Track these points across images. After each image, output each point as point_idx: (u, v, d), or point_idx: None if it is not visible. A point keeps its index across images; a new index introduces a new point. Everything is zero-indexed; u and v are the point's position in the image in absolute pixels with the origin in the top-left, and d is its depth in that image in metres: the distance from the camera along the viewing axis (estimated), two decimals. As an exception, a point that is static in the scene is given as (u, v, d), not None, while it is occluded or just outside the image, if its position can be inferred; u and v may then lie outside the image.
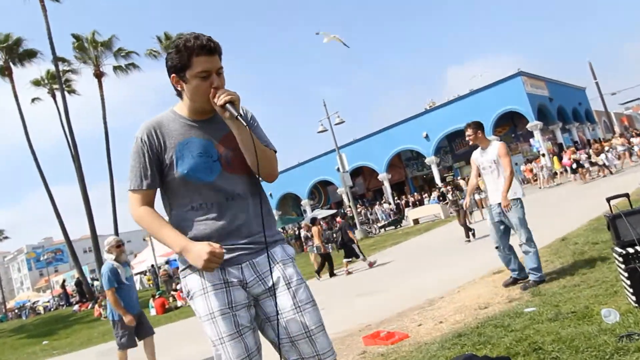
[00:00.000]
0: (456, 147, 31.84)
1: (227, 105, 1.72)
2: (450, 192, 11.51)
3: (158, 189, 1.88)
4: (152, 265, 27.54)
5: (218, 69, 1.78)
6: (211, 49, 1.75)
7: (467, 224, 10.60)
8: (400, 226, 23.25)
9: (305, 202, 37.43)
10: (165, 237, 1.77)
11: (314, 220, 12.59)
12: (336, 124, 23.83)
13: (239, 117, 1.72)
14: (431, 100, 33.43)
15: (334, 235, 11.80)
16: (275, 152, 1.92)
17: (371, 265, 10.79)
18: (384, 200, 31.32)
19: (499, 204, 4.74)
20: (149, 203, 1.85)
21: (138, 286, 31.40)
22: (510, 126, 29.85)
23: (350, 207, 26.41)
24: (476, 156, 5.02)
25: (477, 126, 4.96)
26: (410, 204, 28.55)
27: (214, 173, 1.82)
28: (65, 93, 26.93)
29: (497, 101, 27.44)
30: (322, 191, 38.68)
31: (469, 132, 4.94)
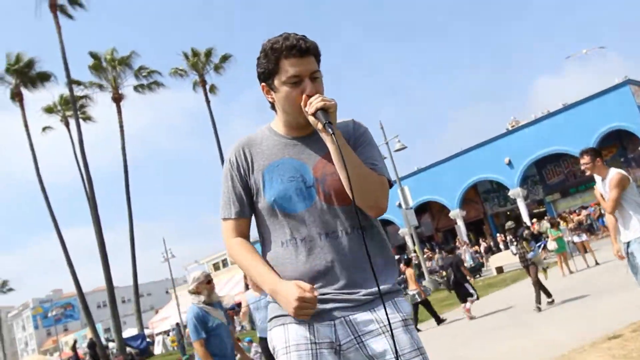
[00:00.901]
0: (548, 176, 30.90)
1: (318, 113, 1.70)
2: (515, 243, 10.99)
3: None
4: (177, 324, 27.88)
5: (312, 72, 1.77)
6: (302, 49, 1.74)
7: (540, 280, 10.12)
8: (480, 275, 22.67)
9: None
10: (255, 274, 1.81)
11: (408, 261, 12.65)
12: (396, 151, 23.73)
13: (326, 124, 1.68)
14: (514, 118, 32.84)
15: (444, 272, 11.71)
16: (389, 181, 1.84)
17: (469, 314, 10.79)
18: (457, 243, 30.63)
19: (628, 243, 4.81)
20: (242, 233, 1.89)
21: (159, 349, 31.82)
22: (617, 148, 28.74)
23: (415, 251, 25.95)
24: (599, 187, 5.16)
25: (595, 153, 5.10)
26: (492, 247, 27.78)
27: (307, 202, 1.80)
28: (80, 120, 28.32)
29: (600, 117, 26.58)
30: (379, 232, 38.17)
31: (585, 159, 5.05)
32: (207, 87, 32.99)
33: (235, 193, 1.87)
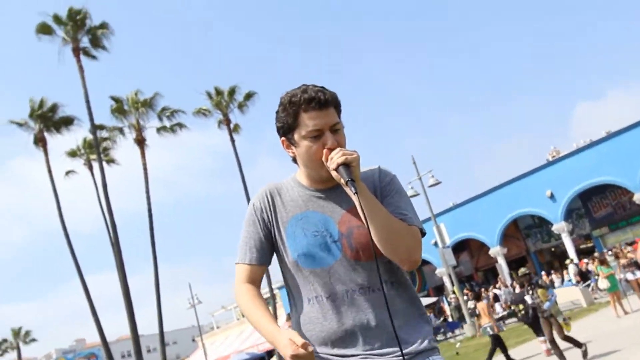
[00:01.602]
0: (594, 209, 30.18)
1: (340, 168, 1.70)
2: (529, 291, 10.39)
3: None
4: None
5: (332, 125, 1.78)
6: (322, 101, 1.76)
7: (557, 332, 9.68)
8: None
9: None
10: (255, 322, 1.79)
11: (478, 296, 13.12)
12: (430, 186, 23.57)
13: (348, 182, 1.68)
14: (554, 148, 32.43)
15: (519, 306, 11.37)
16: (421, 231, 1.81)
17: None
18: (498, 283, 29.96)
19: None
20: (254, 281, 1.88)
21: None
22: (669, 178, 28.02)
23: (454, 292, 25.44)
24: None
25: None
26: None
27: (332, 258, 1.79)
28: (104, 163, 28.92)
29: (647, 145, 26.02)
30: (415, 273, 37.79)
31: None
32: (231, 125, 33.48)
33: (255, 239, 1.87)
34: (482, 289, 24.39)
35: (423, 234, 1.82)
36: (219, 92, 33.64)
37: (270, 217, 1.88)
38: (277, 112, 1.85)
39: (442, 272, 31.94)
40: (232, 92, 33.63)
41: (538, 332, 10.79)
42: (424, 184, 23.88)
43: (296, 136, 1.80)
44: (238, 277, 1.89)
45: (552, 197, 29.21)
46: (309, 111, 1.75)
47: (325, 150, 1.75)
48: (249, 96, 33.79)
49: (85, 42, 28.69)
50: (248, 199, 31.96)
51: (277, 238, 1.87)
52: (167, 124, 32.74)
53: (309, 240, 1.79)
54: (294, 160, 1.90)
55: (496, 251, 31.64)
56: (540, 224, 31.96)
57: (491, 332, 11.37)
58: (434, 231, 23.66)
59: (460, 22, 79.70)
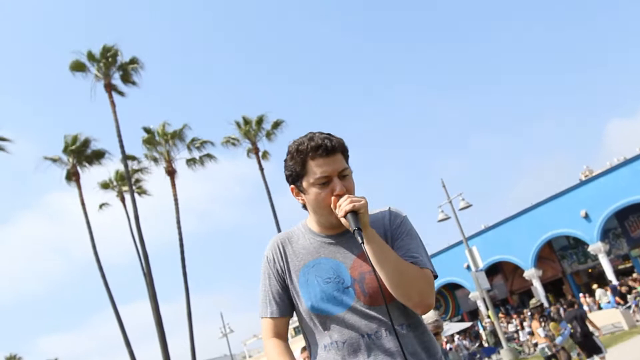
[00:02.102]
0: (631, 228, 29.46)
1: (348, 215, 1.73)
2: (542, 323, 10.01)
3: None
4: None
5: (340, 171, 1.81)
6: (328, 148, 1.79)
7: None
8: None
9: (429, 315, 36.14)
10: None
11: (532, 315, 12.04)
12: (461, 209, 23.35)
13: (355, 231, 1.71)
14: (587, 167, 31.91)
15: (571, 328, 11.10)
16: (433, 273, 1.83)
17: None
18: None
19: None
20: (280, 334, 1.90)
21: None
22: None
23: (489, 317, 24.94)
24: None
25: None
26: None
27: (345, 304, 1.80)
28: (136, 195, 29.38)
29: (684, 161, 25.44)
30: (448, 297, 37.24)
31: None
32: (260, 154, 33.76)
33: (272, 291, 1.89)
34: (487, 322, 23.89)
35: (435, 276, 1.83)
36: (247, 122, 34.04)
37: (283, 267, 1.90)
38: (285, 161, 1.88)
39: (476, 296, 31.43)
40: (260, 121, 33.99)
41: (587, 352, 10.37)
42: (454, 207, 23.66)
43: (305, 184, 1.83)
44: (264, 332, 1.91)
45: (587, 217, 28.63)
46: (316, 158, 1.79)
47: (333, 197, 1.78)
48: (276, 125, 34.10)
49: (116, 77, 29.44)
50: (278, 227, 32.06)
51: (291, 287, 1.89)
52: (197, 154, 33.20)
53: (322, 288, 1.81)
54: (304, 207, 1.93)
55: (531, 274, 31.05)
56: (575, 245, 31.33)
57: (549, 353, 10.94)
58: (466, 254, 23.33)
59: (491, 43, 79.53)
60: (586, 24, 71.47)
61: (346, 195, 1.76)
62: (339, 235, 1.88)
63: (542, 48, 73.68)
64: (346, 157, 1.84)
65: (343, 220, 1.74)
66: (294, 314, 1.94)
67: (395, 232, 1.88)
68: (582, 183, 29.68)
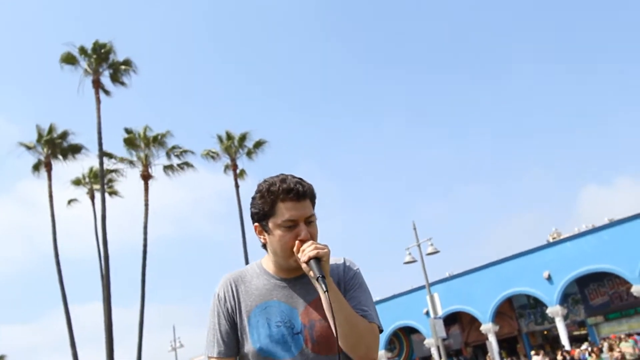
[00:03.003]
0: (591, 296, 29.77)
1: (311, 261, 1.75)
2: None
3: None
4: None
5: (307, 217, 1.84)
6: (299, 193, 1.82)
7: None
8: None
9: (381, 354, 35.87)
10: None
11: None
12: (428, 254, 23.37)
13: (319, 278, 1.72)
14: (556, 230, 32.35)
15: None
16: (379, 328, 1.87)
17: None
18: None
19: None
20: None
21: None
22: (667, 273, 27.74)
23: (441, 366, 24.82)
24: None
25: None
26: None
27: (294, 350, 1.82)
28: (106, 195, 28.90)
29: (650, 239, 25.89)
30: (404, 340, 37.07)
31: None
32: (238, 171, 33.56)
33: (221, 331, 1.88)
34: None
35: (380, 331, 1.89)
36: (230, 137, 33.91)
37: (234, 306, 1.89)
38: (253, 198, 1.89)
39: (431, 342, 31.32)
40: (243, 138, 33.88)
41: None
42: (422, 251, 23.69)
43: (271, 224, 1.83)
44: None
45: (549, 278, 28.87)
46: (286, 201, 1.81)
47: (297, 242, 1.80)
48: (259, 144, 34.01)
49: (106, 75, 29.23)
50: (245, 248, 31.76)
51: (240, 327, 1.88)
52: (176, 162, 32.92)
53: (272, 331, 1.82)
54: (264, 246, 1.94)
55: (488, 328, 31.08)
56: (535, 305, 31.52)
57: None
58: (426, 300, 23.29)
59: (481, 92, 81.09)
60: (584, 84, 73.45)
61: (311, 242, 1.78)
62: (294, 279, 1.90)
63: (537, 105, 75.29)
64: (314, 203, 1.88)
65: (304, 266, 1.76)
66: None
67: (348, 283, 1.91)
68: (549, 245, 30.03)
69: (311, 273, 1.74)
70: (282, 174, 1.87)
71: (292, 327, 1.82)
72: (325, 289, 1.69)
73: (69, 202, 34.94)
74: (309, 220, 1.84)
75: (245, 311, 1.87)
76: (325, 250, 1.76)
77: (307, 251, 1.75)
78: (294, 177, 1.86)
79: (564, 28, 76.15)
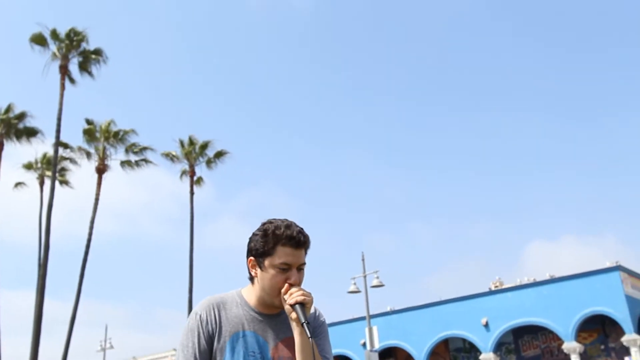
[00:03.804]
0: (524, 347, 30.39)
1: (297, 306, 1.93)
2: None
3: None
4: None
5: (300, 264, 2.03)
6: (300, 242, 2.00)
7: None
8: None
9: (313, 380, 35.61)
10: None
11: None
12: (373, 287, 23.49)
13: (305, 324, 1.90)
14: (499, 279, 32.99)
15: None
16: None
17: None
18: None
19: None
20: None
21: None
22: (599, 334, 28.56)
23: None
24: None
25: None
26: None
27: None
28: (57, 184, 28.17)
29: (586, 298, 26.69)
30: (337, 369, 36.88)
31: None
32: (195, 178, 33.24)
33: (200, 350, 1.99)
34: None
35: None
36: (192, 142, 33.62)
37: (214, 329, 2.02)
38: (255, 234, 2.05)
39: (364, 375, 31.29)
40: (204, 146, 33.64)
41: None
42: (367, 283, 23.81)
43: (267, 262, 2.00)
44: None
45: (486, 325, 29.36)
46: (287, 246, 1.98)
47: (287, 285, 1.98)
48: (220, 154, 33.81)
49: (74, 62, 28.70)
50: (191, 256, 31.30)
51: (216, 350, 2.00)
52: (134, 159, 32.40)
53: (245, 359, 1.97)
54: (251, 279, 2.10)
55: (421, 366, 31.30)
56: (469, 350, 31.89)
57: None
58: (365, 332, 23.35)
59: (454, 137, 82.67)
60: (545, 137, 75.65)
61: (299, 287, 1.98)
62: (271, 316, 2.08)
63: (498, 151, 77.23)
64: (307, 253, 2.05)
65: (287, 308, 1.94)
66: None
67: (317, 329, 2.12)
68: (490, 292, 30.62)
69: (293, 315, 1.92)
70: (287, 220, 2.04)
71: (263, 359, 2.00)
72: (309, 335, 1.87)
73: (16, 184, 33.98)
74: (300, 268, 2.02)
75: (223, 336, 2.01)
76: (311, 298, 1.95)
77: (294, 295, 1.92)
78: (297, 225, 2.02)
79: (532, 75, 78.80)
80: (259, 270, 2.04)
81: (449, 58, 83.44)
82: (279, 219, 2.05)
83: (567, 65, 77.22)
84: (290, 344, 2.02)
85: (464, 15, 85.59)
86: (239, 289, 2.16)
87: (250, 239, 2.07)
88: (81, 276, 28.04)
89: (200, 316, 2.04)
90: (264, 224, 2.05)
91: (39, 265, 26.56)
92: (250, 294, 2.11)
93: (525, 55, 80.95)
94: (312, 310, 2.11)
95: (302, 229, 2.04)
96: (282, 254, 1.98)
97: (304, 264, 2.04)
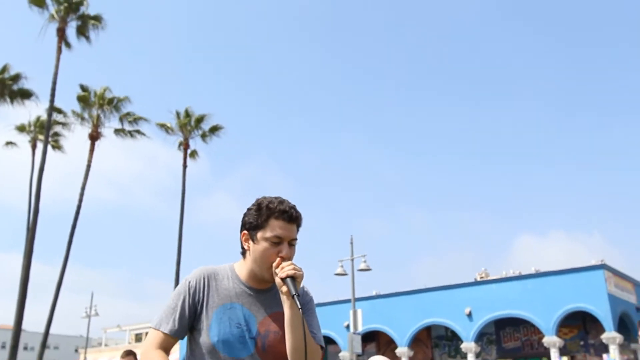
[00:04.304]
0: (504, 339, 30.77)
1: (288, 279, 1.96)
2: None
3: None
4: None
5: (292, 239, 2.07)
6: (292, 217, 2.06)
7: None
8: None
9: (294, 359, 35.94)
10: None
11: None
12: (360, 270, 23.63)
13: (295, 296, 1.93)
14: (485, 270, 33.20)
15: None
16: (322, 348, 2.10)
17: None
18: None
19: None
20: (166, 350, 2.01)
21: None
22: (579, 330, 28.94)
23: (351, 381, 25.09)
24: None
25: None
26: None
27: (246, 351, 2.02)
28: (49, 148, 28.02)
29: (568, 294, 26.97)
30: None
31: None
32: (189, 151, 33.16)
33: (182, 314, 2.03)
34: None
35: (323, 351, 2.11)
36: (188, 115, 33.49)
37: (201, 299, 2.06)
38: (249, 209, 2.10)
39: (345, 356, 31.57)
40: (200, 119, 33.53)
41: None
42: (354, 266, 23.95)
43: (259, 235, 2.04)
44: (152, 341, 2.01)
45: (469, 315, 29.64)
46: (279, 220, 2.03)
47: (278, 259, 2.01)
48: (215, 129, 33.72)
49: (72, 26, 28.39)
50: (181, 228, 31.35)
51: (201, 319, 2.04)
52: (128, 128, 32.27)
53: (231, 330, 2.01)
54: (243, 253, 2.14)
55: (403, 352, 31.60)
56: (451, 338, 32.22)
57: None
58: (349, 314, 23.54)
59: (441, 120, 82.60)
60: (534, 144, 75.72)
61: (291, 262, 2.00)
62: (261, 291, 2.12)
63: (498, 142, 77.32)
64: (298, 230, 2.09)
65: (278, 280, 1.97)
66: (185, 340, 2.13)
67: (304, 305, 2.12)
68: (475, 283, 30.86)
69: (284, 288, 1.95)
70: (280, 197, 2.10)
71: (249, 332, 2.03)
72: (299, 307, 1.90)
73: (7, 143, 33.87)
74: (292, 243, 2.06)
75: (211, 306, 2.04)
76: (302, 272, 1.98)
77: (286, 269, 1.95)
78: (289, 202, 2.09)
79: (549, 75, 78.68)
80: (251, 243, 2.07)
81: (455, 47, 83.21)
82: (273, 196, 2.10)
83: (570, 61, 77.14)
84: (278, 318, 2.05)
85: (472, 6, 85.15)
86: (231, 263, 2.20)
87: (245, 213, 2.11)
88: (69, 241, 28.09)
89: (189, 283, 2.08)
90: (258, 199, 2.11)
91: (28, 228, 26.54)
92: (242, 268, 2.14)
93: (530, 51, 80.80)
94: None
95: (294, 205, 2.09)
96: (275, 227, 2.02)
97: (296, 239, 2.08)
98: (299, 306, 1.91)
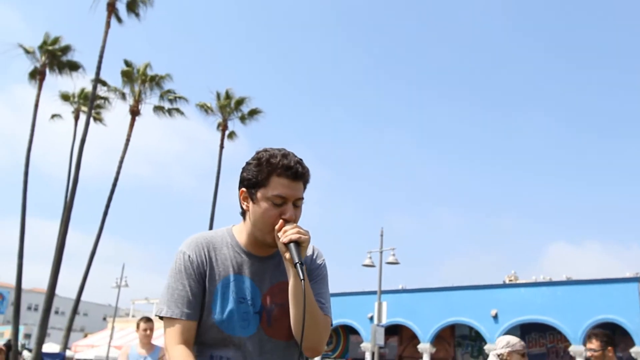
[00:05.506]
0: (530, 344, 30.46)
1: (291, 245, 1.70)
2: None
3: None
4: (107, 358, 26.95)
5: (297, 199, 1.80)
6: (297, 173, 1.78)
7: None
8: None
9: (316, 345, 36.21)
10: None
11: None
12: (388, 263, 23.72)
13: (298, 264, 1.68)
14: (514, 273, 32.86)
15: None
16: (330, 320, 1.88)
17: None
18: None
19: None
20: (189, 339, 1.79)
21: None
22: (607, 341, 28.44)
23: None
24: None
25: (609, 340, 4.31)
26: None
27: (250, 328, 1.81)
28: (91, 120, 28.74)
29: (600, 304, 26.55)
30: (342, 338, 37.49)
31: (594, 345, 4.29)
32: (227, 133, 33.60)
33: (192, 293, 1.79)
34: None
35: (331, 324, 1.89)
36: (228, 96, 33.88)
37: (204, 272, 1.82)
38: (248, 164, 1.84)
39: (367, 347, 31.72)
40: (240, 101, 33.86)
41: None
42: (382, 259, 24.04)
43: (259, 194, 1.78)
44: (172, 335, 1.76)
45: (496, 317, 29.44)
46: (282, 177, 1.76)
47: (281, 220, 1.75)
48: (254, 112, 34.03)
49: (123, 1, 28.93)
50: (213, 210, 31.88)
51: (207, 295, 1.82)
52: (167, 106, 32.83)
53: (235, 306, 1.79)
54: (243, 214, 1.88)
55: (425, 347, 31.59)
56: (475, 338, 32.03)
57: None
58: (374, 306, 23.68)
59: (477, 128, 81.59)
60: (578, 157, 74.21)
61: (295, 224, 1.75)
62: (265, 258, 1.88)
63: (536, 149, 76.09)
64: (305, 188, 1.84)
65: (280, 246, 1.73)
66: None
67: (313, 272, 1.90)
68: (504, 285, 30.60)
69: (287, 255, 1.71)
70: (284, 149, 1.83)
71: (253, 305, 1.81)
72: (302, 277, 1.66)
73: (52, 116, 34.78)
74: (297, 204, 1.80)
75: (212, 280, 1.82)
76: (307, 236, 1.74)
77: (289, 233, 1.71)
78: (295, 155, 1.81)
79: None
80: (250, 203, 1.81)
81: (494, 62, 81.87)
82: (276, 148, 1.83)
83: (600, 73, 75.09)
84: (284, 288, 1.81)
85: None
86: (229, 226, 1.95)
87: (243, 168, 1.85)
88: (105, 213, 28.83)
89: (189, 257, 1.82)
90: (258, 152, 1.84)
91: (66, 197, 27.40)
92: (242, 232, 1.89)
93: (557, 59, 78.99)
94: (310, 252, 1.94)
95: (301, 159, 1.82)
96: (277, 185, 1.76)
97: (302, 199, 1.81)
98: (302, 276, 1.66)
